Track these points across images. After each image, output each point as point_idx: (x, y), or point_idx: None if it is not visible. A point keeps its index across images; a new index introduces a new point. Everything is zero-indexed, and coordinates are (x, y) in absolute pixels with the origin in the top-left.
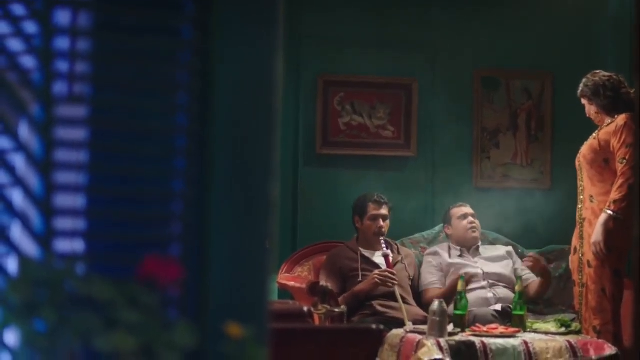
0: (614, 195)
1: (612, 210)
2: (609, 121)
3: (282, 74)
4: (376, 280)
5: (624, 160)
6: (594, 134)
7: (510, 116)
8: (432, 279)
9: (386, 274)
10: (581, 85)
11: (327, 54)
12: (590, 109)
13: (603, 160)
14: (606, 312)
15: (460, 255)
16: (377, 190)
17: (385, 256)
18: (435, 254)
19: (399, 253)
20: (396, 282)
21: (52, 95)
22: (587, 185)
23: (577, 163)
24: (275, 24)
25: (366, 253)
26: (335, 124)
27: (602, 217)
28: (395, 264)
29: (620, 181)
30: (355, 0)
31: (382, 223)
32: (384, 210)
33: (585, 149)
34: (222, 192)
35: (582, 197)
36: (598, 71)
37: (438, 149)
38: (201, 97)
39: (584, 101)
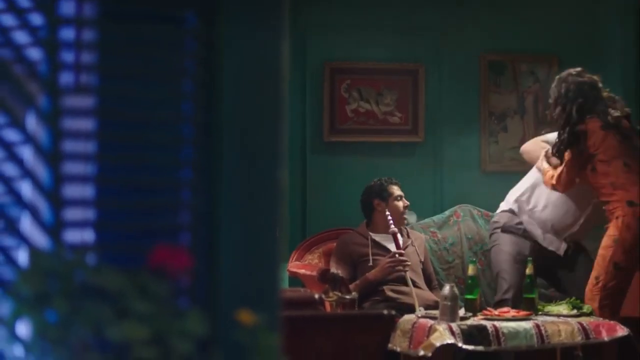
0: (551, 172)
1: (544, 170)
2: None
3: (288, 61)
4: (389, 267)
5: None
6: None
7: (517, 100)
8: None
9: (397, 258)
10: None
11: (333, 41)
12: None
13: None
14: (593, 302)
15: None
16: (386, 175)
17: (394, 234)
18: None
19: (408, 237)
20: (409, 264)
21: (58, 86)
22: None
23: None
24: (281, 11)
25: (377, 237)
26: (343, 111)
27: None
28: (405, 248)
29: (552, 175)
30: None
31: (405, 201)
32: (400, 190)
33: None
34: (231, 180)
35: None
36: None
37: (446, 134)
38: (208, 85)
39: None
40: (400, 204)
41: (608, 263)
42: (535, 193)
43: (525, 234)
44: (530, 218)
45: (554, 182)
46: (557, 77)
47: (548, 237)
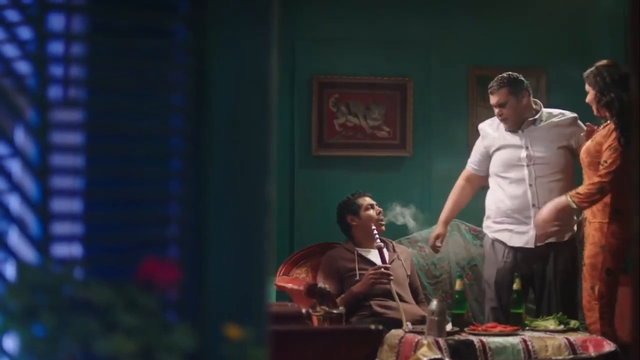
0: (583, 188)
1: (571, 197)
2: (604, 122)
3: (277, 75)
4: (371, 280)
5: (605, 163)
6: (591, 138)
7: None
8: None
9: (380, 270)
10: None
11: (322, 55)
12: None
13: (599, 163)
14: (594, 311)
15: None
16: (374, 191)
17: (379, 248)
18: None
19: (394, 251)
20: (392, 278)
21: (47, 100)
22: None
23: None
24: (270, 25)
25: (363, 252)
26: (331, 125)
27: (561, 200)
28: (391, 262)
29: (596, 180)
30: (349, 1)
31: (378, 208)
32: (371, 200)
33: (582, 152)
34: (219, 193)
35: None
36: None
37: (434, 149)
38: (196, 98)
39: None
40: (372, 212)
41: (601, 270)
42: (485, 205)
43: (492, 255)
44: (495, 224)
45: (605, 179)
46: (595, 66)
47: (515, 235)
